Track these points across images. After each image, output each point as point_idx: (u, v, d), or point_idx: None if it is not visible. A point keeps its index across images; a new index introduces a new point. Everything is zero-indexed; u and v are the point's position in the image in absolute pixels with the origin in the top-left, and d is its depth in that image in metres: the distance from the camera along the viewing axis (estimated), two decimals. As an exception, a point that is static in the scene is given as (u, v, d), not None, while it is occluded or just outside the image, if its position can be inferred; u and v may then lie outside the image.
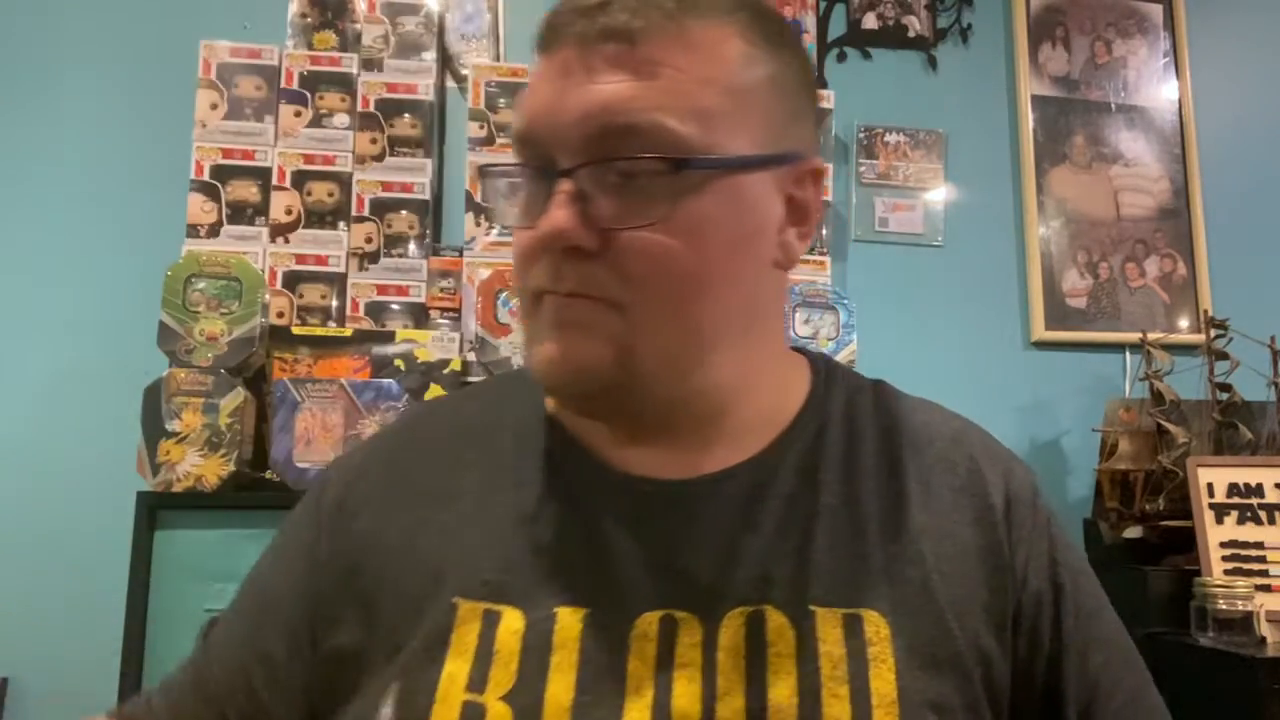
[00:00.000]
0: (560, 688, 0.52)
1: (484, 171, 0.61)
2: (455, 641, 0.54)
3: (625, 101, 0.52)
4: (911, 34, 2.06)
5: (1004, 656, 0.57)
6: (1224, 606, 1.38)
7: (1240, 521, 1.53)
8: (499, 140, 1.70)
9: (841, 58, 2.04)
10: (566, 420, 0.62)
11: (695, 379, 0.57)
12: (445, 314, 1.68)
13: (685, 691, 0.51)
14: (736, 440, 0.60)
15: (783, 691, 0.51)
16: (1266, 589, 1.44)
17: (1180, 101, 2.12)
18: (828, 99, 1.89)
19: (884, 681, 0.52)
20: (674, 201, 0.53)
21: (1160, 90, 2.13)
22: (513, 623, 0.54)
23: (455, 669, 0.53)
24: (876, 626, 0.54)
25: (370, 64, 1.72)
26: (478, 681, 0.52)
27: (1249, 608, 1.37)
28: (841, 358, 1.69)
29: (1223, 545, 1.51)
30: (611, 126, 0.52)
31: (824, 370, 0.66)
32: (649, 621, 0.54)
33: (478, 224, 1.68)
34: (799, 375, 0.65)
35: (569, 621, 0.54)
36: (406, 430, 0.67)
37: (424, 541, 0.58)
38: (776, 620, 0.54)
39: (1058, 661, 0.59)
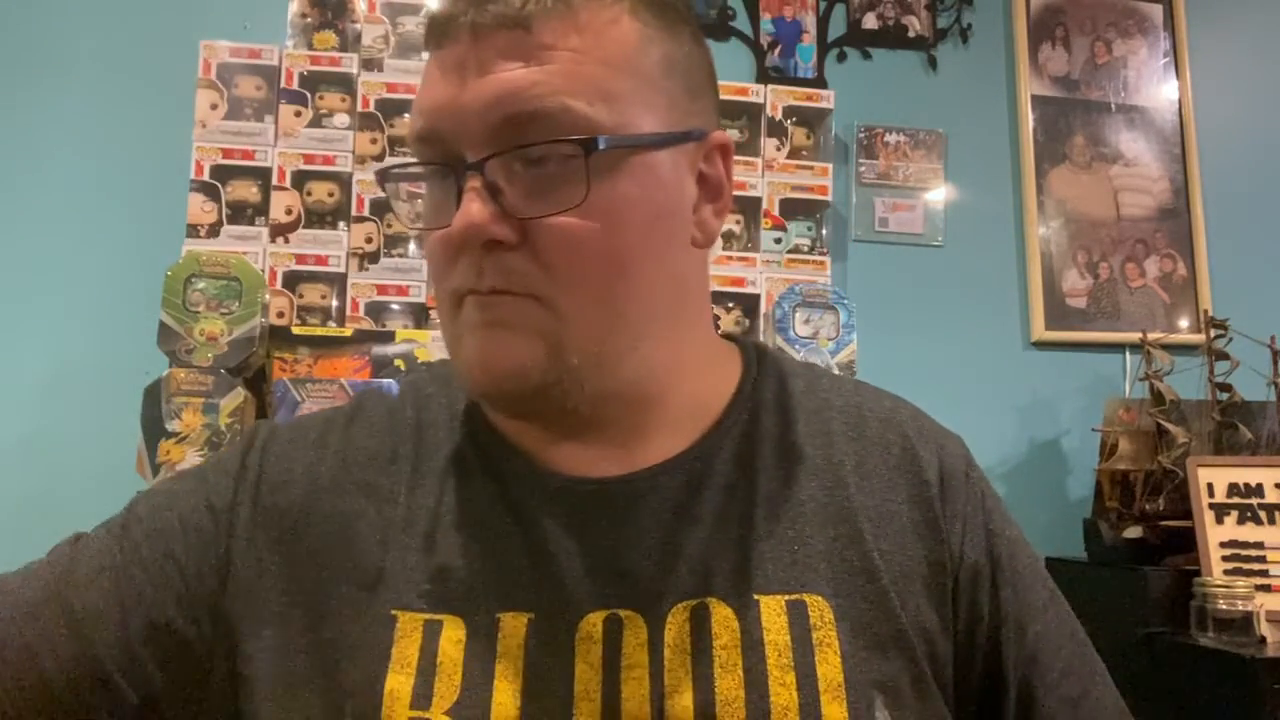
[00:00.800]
0: (506, 697, 0.51)
1: (383, 175, 0.58)
2: (396, 656, 0.52)
3: (527, 88, 0.51)
4: (911, 34, 2.07)
5: (945, 632, 0.57)
6: (1224, 606, 1.38)
7: (1240, 521, 1.53)
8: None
9: (841, 58, 2.04)
10: (496, 420, 0.60)
11: (626, 367, 0.56)
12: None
13: (634, 694, 0.51)
14: (670, 431, 0.59)
15: (730, 684, 0.51)
16: (1266, 589, 1.44)
17: (1180, 101, 2.12)
18: (828, 99, 1.89)
19: (830, 666, 0.52)
20: (588, 184, 0.51)
21: (1160, 90, 2.13)
22: (454, 632, 0.53)
23: (397, 685, 0.51)
24: (820, 610, 0.54)
25: (370, 64, 1.72)
26: (422, 697, 0.51)
27: (1249, 608, 1.37)
28: (841, 358, 1.69)
29: (1223, 545, 1.51)
30: (516, 114, 0.51)
31: (754, 357, 0.65)
32: (593, 623, 0.53)
33: (478, 224, 1.68)
34: (730, 363, 0.64)
35: (513, 627, 0.53)
36: (344, 419, 0.63)
37: (360, 536, 0.56)
38: (721, 612, 0.53)
39: (996, 633, 0.59)
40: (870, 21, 2.05)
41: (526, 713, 0.50)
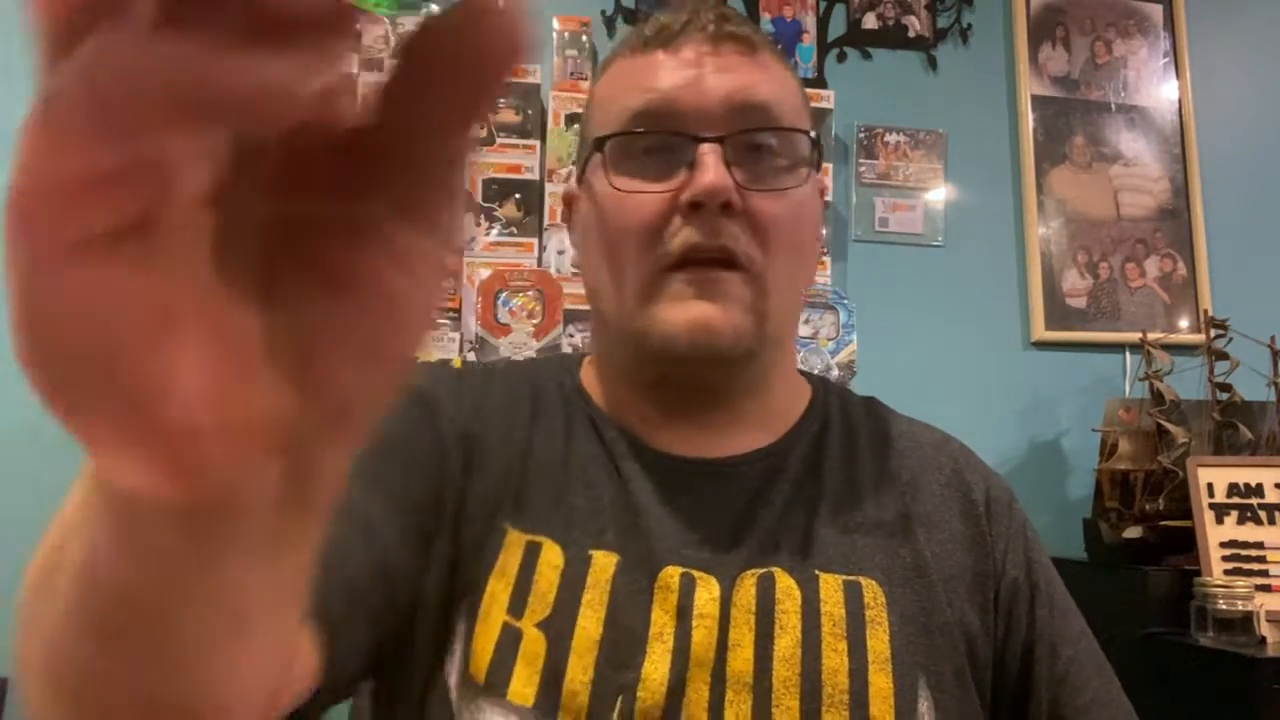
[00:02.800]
0: (590, 622, 0.56)
1: (609, 139, 0.62)
2: (499, 565, 0.58)
3: (763, 85, 0.61)
4: (911, 34, 2.07)
5: (987, 637, 0.62)
6: (1224, 606, 1.38)
7: (1240, 521, 1.53)
8: (499, 140, 1.70)
9: (841, 58, 2.04)
10: (599, 401, 0.67)
11: (781, 350, 0.65)
12: (445, 314, 1.68)
13: (702, 640, 0.56)
14: (758, 428, 0.66)
15: (787, 643, 0.57)
16: (1266, 589, 1.44)
17: (1180, 101, 2.12)
18: (828, 99, 1.89)
19: (879, 641, 0.58)
20: (801, 174, 0.62)
21: (1160, 90, 2.13)
22: (552, 557, 0.59)
23: (497, 589, 0.57)
24: (874, 594, 0.60)
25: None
26: (517, 605, 0.57)
27: (1249, 608, 1.37)
28: (841, 358, 1.69)
29: (1223, 545, 1.51)
30: (753, 102, 0.60)
31: (822, 384, 0.73)
32: (670, 575, 0.59)
33: (477, 224, 1.68)
34: (802, 384, 0.72)
35: (603, 564, 0.59)
36: (484, 370, 0.70)
37: (491, 464, 0.62)
38: (785, 582, 0.59)
39: (1031, 648, 0.63)
40: (870, 21, 2.05)
41: (606, 639, 0.56)
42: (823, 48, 2.03)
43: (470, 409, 0.64)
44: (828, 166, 1.86)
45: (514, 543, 0.59)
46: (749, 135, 0.60)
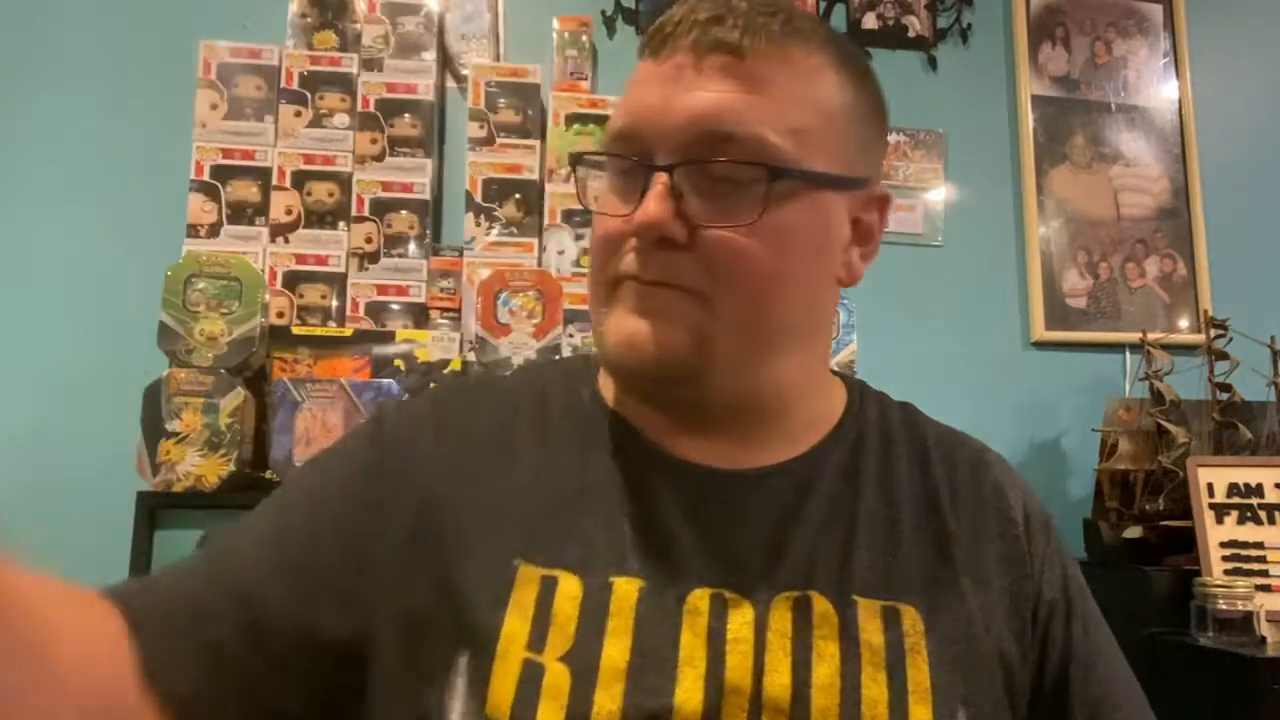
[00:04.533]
0: (616, 651, 0.54)
1: (577, 157, 0.63)
2: (514, 601, 0.55)
3: (730, 111, 0.56)
4: (911, 34, 2.06)
5: (1023, 662, 0.61)
6: (1224, 606, 1.38)
7: (1240, 521, 1.52)
8: (499, 140, 1.70)
9: (841, 58, 2.03)
10: (622, 408, 0.64)
11: (761, 376, 0.61)
12: (445, 314, 1.68)
13: (737, 665, 0.54)
14: (784, 440, 0.63)
15: (826, 671, 0.55)
16: (1266, 589, 1.44)
17: (1180, 101, 2.12)
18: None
19: (919, 672, 0.56)
20: (764, 207, 0.56)
21: (1160, 90, 2.13)
22: (570, 588, 0.56)
23: (514, 628, 0.55)
24: (913, 620, 0.58)
25: (370, 64, 1.72)
26: (537, 641, 0.54)
27: (1249, 608, 1.37)
28: (841, 358, 1.69)
29: (1223, 545, 1.51)
30: (714, 133, 0.56)
31: (858, 388, 0.71)
32: (700, 597, 0.56)
33: (477, 224, 1.68)
34: (838, 388, 0.70)
35: (625, 590, 0.56)
36: (458, 392, 0.68)
37: (484, 496, 0.60)
38: (822, 606, 0.57)
39: (1066, 666, 0.62)
40: (870, 21, 2.05)
41: (634, 667, 0.54)
42: (823, 48, 2.03)
43: (452, 448, 0.62)
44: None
45: (528, 578, 0.56)
46: (699, 165, 0.56)
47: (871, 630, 0.57)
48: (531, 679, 0.53)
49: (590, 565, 0.57)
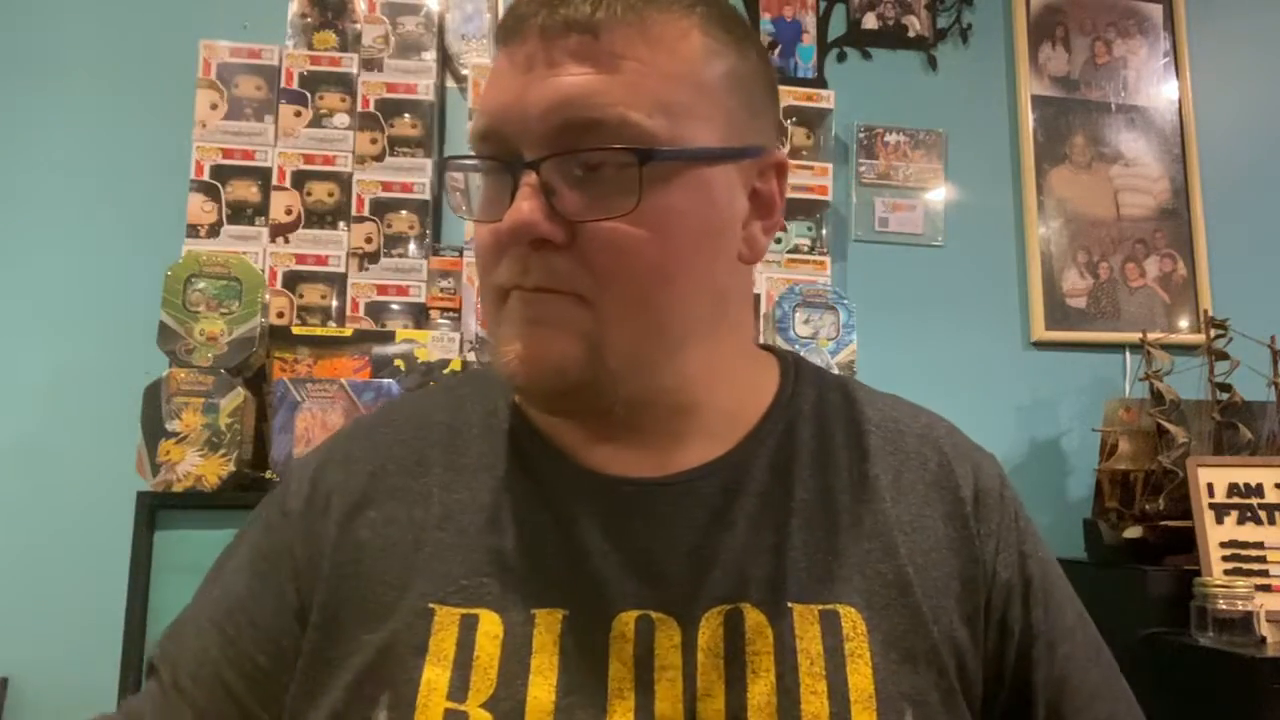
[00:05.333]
0: (542, 691, 0.51)
1: (444, 165, 0.60)
2: (433, 648, 0.53)
3: (589, 95, 0.52)
4: (911, 34, 2.06)
5: (976, 648, 0.58)
6: (1224, 606, 1.38)
7: (1240, 521, 1.52)
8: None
9: (841, 58, 2.03)
10: (535, 419, 0.61)
11: (664, 374, 0.57)
12: (445, 314, 1.68)
13: (667, 694, 0.52)
14: (707, 437, 0.59)
15: (761, 690, 0.52)
16: (1266, 589, 1.44)
17: (1180, 101, 2.12)
18: (828, 99, 1.89)
19: (861, 677, 0.53)
20: (640, 194, 0.52)
21: (1160, 90, 2.13)
22: (490, 627, 0.53)
23: (434, 676, 0.52)
24: (853, 622, 0.54)
25: (370, 64, 1.72)
26: (458, 689, 0.52)
27: (1249, 608, 1.37)
28: (841, 358, 1.69)
29: (1223, 545, 1.51)
30: (575, 120, 0.52)
31: (793, 368, 0.66)
32: (625, 622, 0.53)
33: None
34: (768, 372, 0.65)
35: (547, 623, 0.53)
36: (366, 431, 0.65)
37: (394, 539, 0.57)
38: (754, 618, 0.54)
39: (1027, 651, 0.59)
40: (870, 21, 2.05)
41: (562, 706, 0.51)
42: (823, 48, 2.03)
43: (356, 498, 0.59)
44: (826, 166, 1.86)
45: (446, 620, 0.54)
46: (567, 157, 0.52)
47: (809, 638, 0.53)
48: None
49: (509, 600, 0.54)
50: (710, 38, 0.56)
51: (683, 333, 0.56)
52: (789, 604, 0.54)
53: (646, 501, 0.57)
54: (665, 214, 0.53)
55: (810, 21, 2.03)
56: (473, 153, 0.56)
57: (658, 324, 0.55)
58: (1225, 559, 1.50)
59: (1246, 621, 1.36)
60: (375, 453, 0.62)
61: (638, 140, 0.52)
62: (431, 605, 0.54)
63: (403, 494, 0.59)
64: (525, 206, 0.51)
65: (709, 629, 0.53)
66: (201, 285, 1.48)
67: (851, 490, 0.59)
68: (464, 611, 0.54)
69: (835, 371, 1.66)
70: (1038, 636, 0.59)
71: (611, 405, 0.56)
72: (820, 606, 0.55)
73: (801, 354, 1.65)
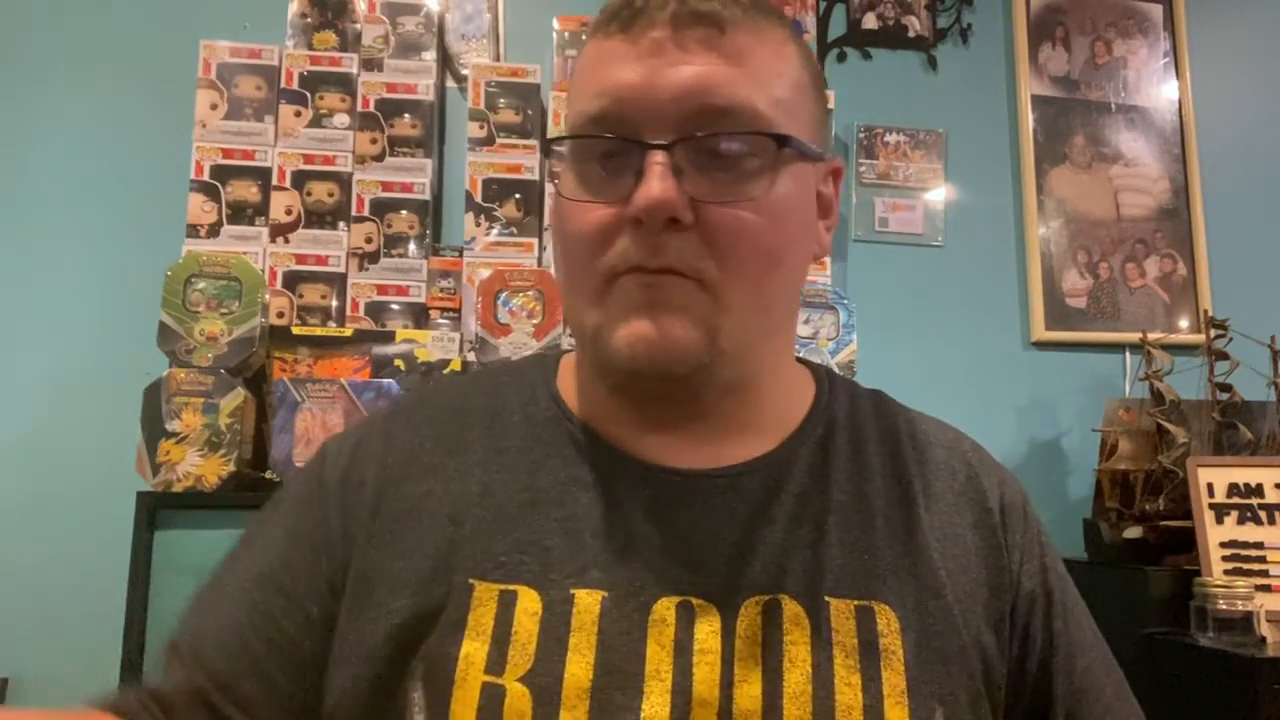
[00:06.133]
0: (579, 668, 0.52)
1: (554, 142, 0.59)
2: (472, 622, 0.54)
3: (723, 83, 0.54)
4: (911, 34, 2.06)
5: (1001, 655, 0.59)
6: (1224, 606, 1.38)
7: (1240, 521, 1.52)
8: (499, 140, 1.70)
9: (841, 58, 2.04)
10: (578, 409, 0.63)
11: (755, 359, 0.59)
12: (445, 314, 1.68)
13: (705, 678, 0.52)
14: (754, 434, 0.61)
15: (797, 679, 0.53)
16: (1266, 589, 1.44)
17: (1180, 101, 2.12)
18: (828, 99, 1.89)
19: (894, 673, 0.54)
20: (773, 179, 0.55)
21: (1160, 90, 2.13)
22: (529, 604, 0.54)
23: (472, 650, 0.53)
24: (888, 619, 0.56)
25: (370, 64, 1.72)
26: (496, 663, 0.52)
27: (1249, 608, 1.37)
28: (841, 358, 1.69)
29: (1223, 545, 1.51)
30: (709, 105, 0.54)
31: (826, 378, 0.68)
32: (666, 607, 0.54)
33: (478, 224, 1.68)
34: (805, 380, 0.67)
35: (587, 603, 0.54)
36: (404, 410, 0.65)
37: (432, 511, 0.58)
38: (792, 609, 0.55)
39: (1048, 661, 0.61)
40: (870, 21, 2.05)
41: (598, 685, 0.52)
42: (823, 48, 2.03)
43: (395, 474, 0.60)
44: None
45: (485, 596, 0.54)
46: (702, 141, 0.54)
47: (845, 632, 0.55)
48: (492, 703, 0.51)
49: (549, 577, 0.55)
50: (799, 48, 0.60)
51: (777, 319, 0.60)
52: (826, 598, 0.56)
53: (690, 492, 0.58)
54: (781, 202, 0.56)
55: (810, 21, 2.03)
56: (576, 131, 0.57)
57: (764, 309, 0.57)
58: (1225, 559, 1.50)
59: (1246, 621, 1.36)
60: (415, 431, 0.62)
61: (766, 129, 0.54)
62: (471, 580, 0.55)
63: (442, 471, 0.60)
64: (662, 185, 0.52)
65: (748, 617, 0.54)
66: (201, 285, 1.48)
67: (885, 495, 0.61)
68: (503, 588, 0.55)
69: (836, 371, 1.67)
70: (1058, 648, 0.61)
71: (709, 388, 0.58)
72: (856, 602, 0.56)
73: (801, 354, 1.66)
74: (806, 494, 0.59)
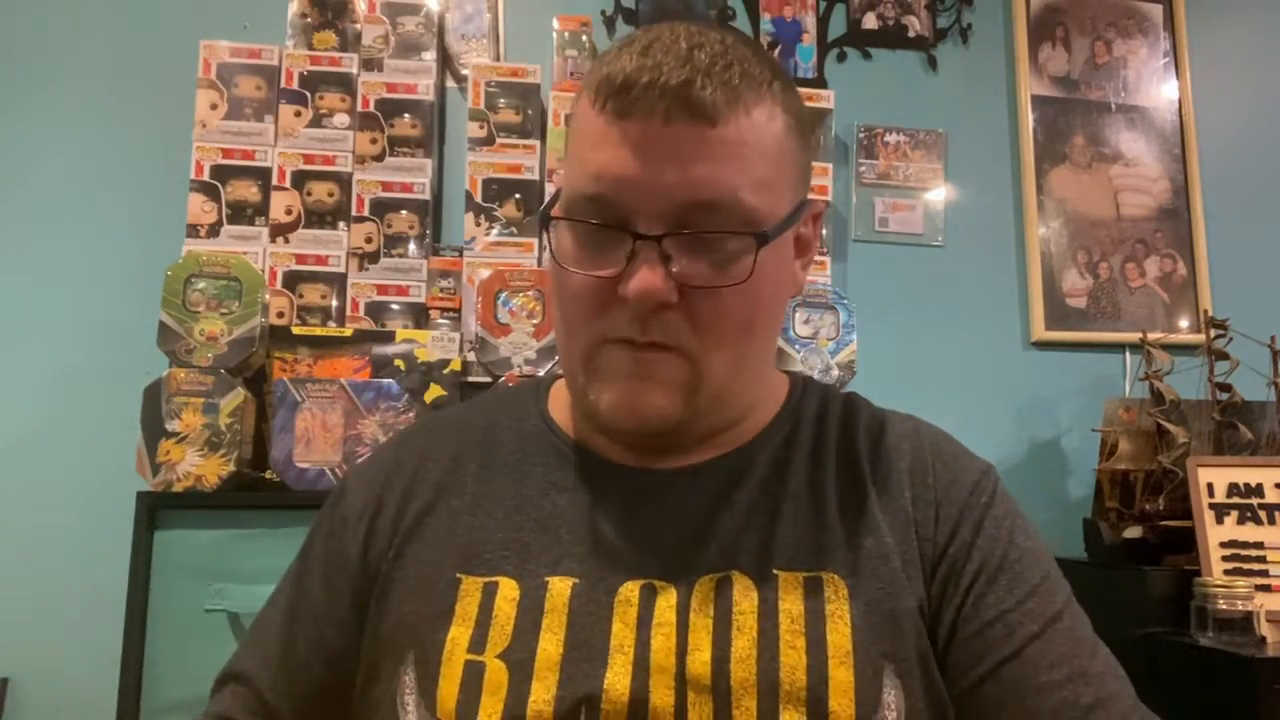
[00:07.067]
0: (551, 644, 0.58)
1: (549, 218, 0.64)
2: (459, 612, 0.61)
3: (710, 181, 0.58)
4: (911, 34, 2.06)
5: (937, 619, 0.61)
6: (1224, 606, 1.38)
7: (1240, 521, 1.53)
8: (499, 140, 1.70)
9: (841, 58, 2.03)
10: (565, 426, 0.70)
11: (734, 404, 0.66)
12: (445, 314, 1.68)
13: (661, 647, 0.58)
14: (719, 442, 0.67)
15: (743, 644, 0.58)
16: (1266, 589, 1.44)
17: (1180, 101, 2.12)
18: (828, 99, 1.89)
19: (840, 635, 0.58)
20: (748, 264, 0.59)
21: (1160, 90, 2.13)
22: (509, 591, 0.61)
23: (458, 634, 0.60)
24: (836, 587, 0.60)
25: (370, 64, 1.72)
26: (478, 643, 0.59)
27: (1249, 608, 1.37)
28: (841, 358, 1.69)
29: (1223, 545, 1.51)
30: (696, 202, 0.58)
31: (801, 383, 0.74)
32: (630, 589, 0.60)
33: (477, 224, 1.68)
34: (780, 386, 0.73)
35: (559, 589, 0.61)
36: (411, 439, 0.74)
37: (432, 525, 0.66)
38: (742, 583, 0.60)
39: (966, 625, 0.60)
40: (870, 21, 2.05)
41: (567, 658, 0.58)
42: (823, 48, 2.03)
43: (405, 495, 0.68)
44: (827, 167, 1.86)
45: (470, 588, 0.62)
46: (692, 237, 0.58)
47: (791, 600, 0.59)
48: (473, 678, 0.58)
49: (527, 568, 0.62)
50: (788, 113, 0.63)
51: (754, 370, 0.66)
52: (775, 571, 0.61)
53: (658, 487, 0.65)
54: (760, 280, 0.60)
55: (810, 21, 2.03)
56: (572, 207, 0.61)
57: (741, 367, 0.63)
58: (1225, 559, 1.50)
59: (1246, 621, 1.37)
60: (416, 456, 0.71)
61: (749, 217, 0.59)
62: (459, 575, 0.62)
63: (440, 487, 0.68)
64: (652, 276, 0.57)
65: (701, 592, 0.60)
66: (201, 285, 1.48)
67: (839, 482, 0.66)
68: (486, 580, 0.62)
69: (836, 372, 1.67)
70: (1000, 617, 0.60)
71: (689, 435, 0.65)
72: (805, 574, 0.61)
73: (801, 354, 1.66)
74: (765, 483, 0.65)
